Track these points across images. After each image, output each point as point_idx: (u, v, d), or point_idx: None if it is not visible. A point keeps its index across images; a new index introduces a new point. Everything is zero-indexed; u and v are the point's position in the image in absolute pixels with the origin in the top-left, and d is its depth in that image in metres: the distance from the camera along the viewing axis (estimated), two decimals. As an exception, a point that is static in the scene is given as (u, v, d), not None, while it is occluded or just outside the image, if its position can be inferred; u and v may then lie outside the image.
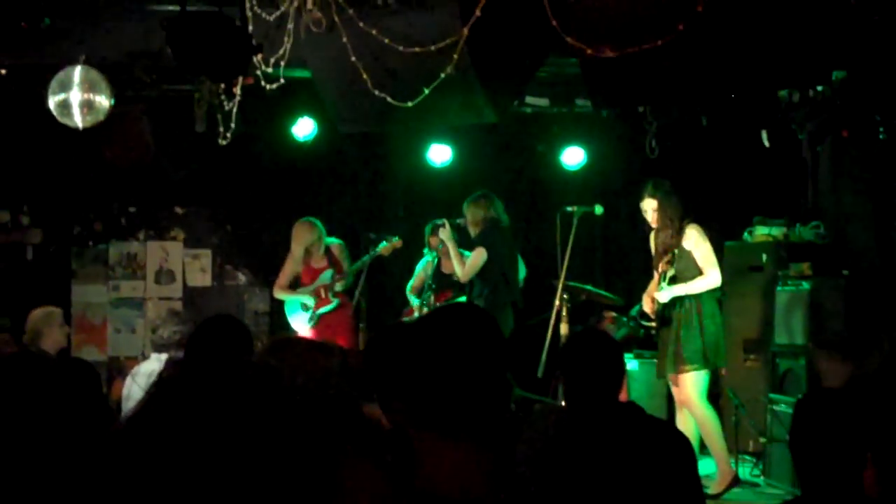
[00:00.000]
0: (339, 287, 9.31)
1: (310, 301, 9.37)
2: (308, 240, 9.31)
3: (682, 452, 3.87)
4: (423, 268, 9.61)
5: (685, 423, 7.68)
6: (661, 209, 7.71)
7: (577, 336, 5.02)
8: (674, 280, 7.66)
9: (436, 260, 9.39)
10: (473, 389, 2.09)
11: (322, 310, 9.33)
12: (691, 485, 3.83)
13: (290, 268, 9.47)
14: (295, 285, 9.52)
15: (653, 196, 7.74)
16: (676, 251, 7.64)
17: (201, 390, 1.16)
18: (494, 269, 8.86)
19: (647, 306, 8.01)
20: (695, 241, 7.67)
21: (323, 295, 9.36)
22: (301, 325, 9.38)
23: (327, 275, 9.34)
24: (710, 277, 7.66)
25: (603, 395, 3.89)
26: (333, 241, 9.46)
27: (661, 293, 7.68)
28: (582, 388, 3.93)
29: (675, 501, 3.72)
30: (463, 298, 9.09)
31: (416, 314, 9.19)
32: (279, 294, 9.59)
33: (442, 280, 9.37)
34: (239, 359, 1.22)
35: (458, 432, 2.06)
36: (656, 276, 7.95)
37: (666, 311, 7.72)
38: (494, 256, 8.85)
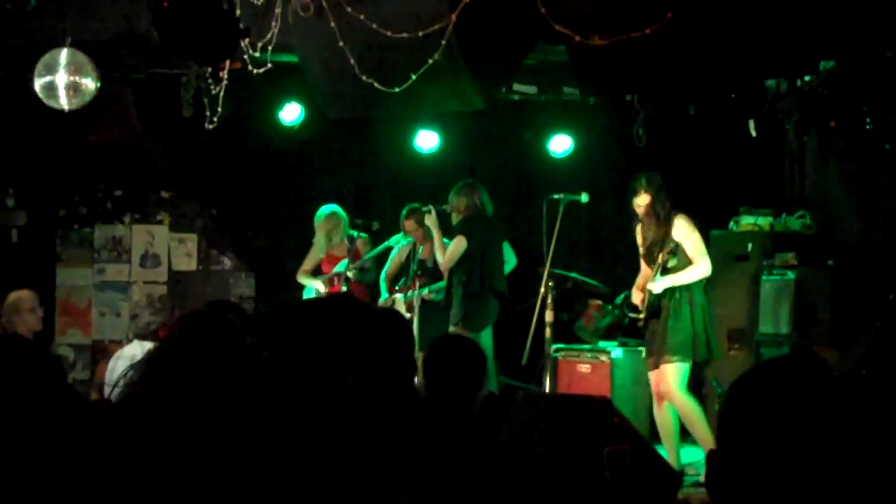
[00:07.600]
0: (351, 276, 9.44)
1: (322, 288, 9.61)
2: (326, 227, 9.62)
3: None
4: (397, 253, 9.65)
5: (663, 414, 7.66)
6: (651, 203, 7.68)
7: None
8: (666, 271, 7.62)
9: (411, 245, 9.45)
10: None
11: None
12: None
13: (313, 254, 9.82)
14: (317, 272, 9.79)
15: (647, 191, 7.67)
16: (673, 243, 7.59)
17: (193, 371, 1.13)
18: (474, 258, 8.84)
19: (636, 299, 7.95)
20: (684, 232, 7.62)
21: (335, 283, 9.58)
22: None
23: (343, 264, 9.49)
24: (701, 267, 7.60)
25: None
26: (361, 235, 9.69)
27: (655, 283, 7.61)
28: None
29: None
30: (441, 285, 9.12)
31: (397, 302, 9.22)
32: (300, 278, 9.84)
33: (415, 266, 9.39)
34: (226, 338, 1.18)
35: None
36: (644, 268, 7.92)
37: (656, 302, 7.68)
38: (474, 245, 8.83)
